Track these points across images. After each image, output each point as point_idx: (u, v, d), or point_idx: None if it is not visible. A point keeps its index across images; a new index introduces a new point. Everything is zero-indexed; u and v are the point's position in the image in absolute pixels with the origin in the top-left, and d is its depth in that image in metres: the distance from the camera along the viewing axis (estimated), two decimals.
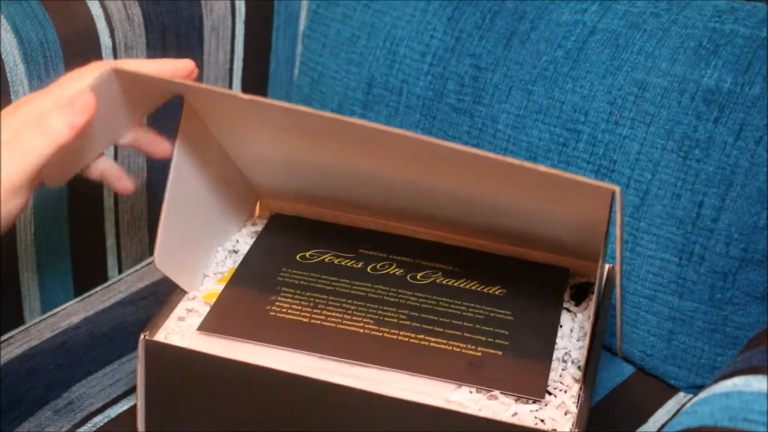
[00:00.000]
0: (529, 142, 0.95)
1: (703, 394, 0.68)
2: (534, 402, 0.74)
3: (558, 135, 0.94)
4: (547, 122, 0.94)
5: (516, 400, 0.74)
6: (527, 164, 0.67)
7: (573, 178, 0.67)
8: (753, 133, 0.88)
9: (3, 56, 0.90)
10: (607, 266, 0.85)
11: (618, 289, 0.77)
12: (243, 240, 0.88)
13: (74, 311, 0.97)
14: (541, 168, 0.67)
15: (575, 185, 0.68)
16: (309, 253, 0.86)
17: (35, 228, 0.96)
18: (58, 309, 0.98)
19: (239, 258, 0.86)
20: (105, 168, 0.81)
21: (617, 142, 0.92)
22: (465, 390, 0.74)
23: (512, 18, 0.98)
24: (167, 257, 0.80)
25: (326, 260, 0.85)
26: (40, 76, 0.92)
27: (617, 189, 0.67)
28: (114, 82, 0.75)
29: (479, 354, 0.76)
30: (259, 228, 0.89)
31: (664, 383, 0.93)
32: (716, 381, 0.69)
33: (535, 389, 0.74)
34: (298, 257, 0.85)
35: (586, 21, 0.96)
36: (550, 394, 0.75)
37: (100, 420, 0.85)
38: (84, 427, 0.84)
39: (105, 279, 1.04)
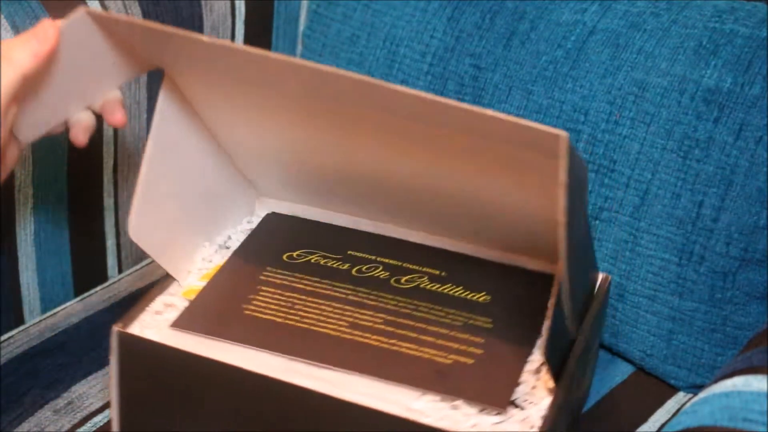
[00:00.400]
0: None
1: (703, 394, 0.68)
2: (497, 414, 0.72)
3: None
4: (547, 122, 0.94)
5: (480, 411, 0.72)
6: (474, 108, 0.66)
7: (521, 123, 0.65)
8: (753, 133, 0.88)
9: None
10: (601, 275, 0.85)
11: (564, 255, 0.70)
12: (236, 237, 0.88)
13: (74, 311, 0.97)
14: (489, 112, 0.65)
15: (524, 132, 0.66)
16: (297, 253, 0.85)
17: (35, 228, 0.96)
18: (58, 309, 0.98)
19: (229, 254, 0.86)
20: (80, 118, 0.81)
21: (617, 142, 0.92)
22: (428, 398, 0.73)
23: (512, 18, 0.98)
24: (144, 231, 0.79)
25: (312, 261, 0.84)
26: None
27: (562, 134, 0.64)
28: (90, 32, 0.74)
29: (449, 362, 0.75)
30: (255, 226, 0.89)
31: (664, 383, 0.93)
32: (716, 381, 0.69)
33: (498, 399, 0.72)
34: (285, 257, 0.84)
35: (586, 21, 0.96)
36: (518, 407, 0.73)
37: (100, 420, 0.85)
38: (84, 427, 0.84)
39: (105, 279, 1.04)
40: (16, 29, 0.91)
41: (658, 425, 0.88)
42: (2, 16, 0.91)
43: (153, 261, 0.83)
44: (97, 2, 0.96)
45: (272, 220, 0.89)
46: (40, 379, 0.88)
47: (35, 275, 0.98)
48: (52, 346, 0.92)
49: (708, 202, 0.89)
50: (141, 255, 1.07)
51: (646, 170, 0.90)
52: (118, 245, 1.04)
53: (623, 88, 0.92)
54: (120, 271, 1.05)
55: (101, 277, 1.04)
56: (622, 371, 0.94)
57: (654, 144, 0.90)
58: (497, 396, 0.73)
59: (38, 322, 0.96)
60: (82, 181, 0.98)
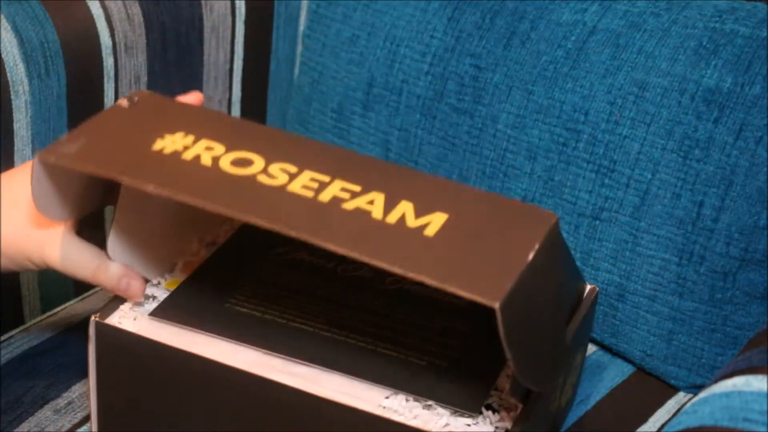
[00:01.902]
0: (529, 141, 0.95)
1: (703, 394, 0.68)
2: (470, 416, 0.72)
3: (558, 135, 0.94)
4: (547, 122, 0.94)
5: (453, 413, 0.72)
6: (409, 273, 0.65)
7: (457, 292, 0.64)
8: (753, 133, 0.88)
9: (3, 56, 0.90)
10: (588, 287, 0.84)
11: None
12: (225, 233, 0.87)
13: (74, 311, 0.97)
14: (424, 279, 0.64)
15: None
16: (285, 249, 0.85)
17: None
18: (58, 309, 0.98)
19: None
20: None
21: (617, 142, 0.92)
22: (401, 397, 0.73)
23: (512, 18, 0.98)
24: (121, 251, 0.78)
25: (299, 257, 0.84)
26: (40, 76, 0.92)
27: (497, 306, 0.63)
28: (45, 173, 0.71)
29: (424, 363, 0.75)
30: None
31: (664, 383, 0.93)
32: (716, 381, 0.69)
33: (471, 404, 0.72)
34: (272, 253, 0.84)
35: (586, 21, 0.96)
36: (493, 410, 0.73)
37: None
38: (84, 427, 0.84)
39: None
40: (16, 29, 0.91)
41: (658, 425, 0.88)
42: (2, 16, 0.91)
43: None
44: (97, 2, 0.96)
45: None
46: (40, 379, 0.88)
47: (35, 275, 0.98)
48: (52, 346, 0.92)
49: (708, 202, 0.89)
50: None
51: (646, 170, 0.91)
52: None
53: (623, 88, 0.92)
54: None
55: None
56: (622, 371, 0.94)
57: (654, 144, 0.90)
58: (470, 400, 0.72)
59: (38, 322, 0.96)
60: None
